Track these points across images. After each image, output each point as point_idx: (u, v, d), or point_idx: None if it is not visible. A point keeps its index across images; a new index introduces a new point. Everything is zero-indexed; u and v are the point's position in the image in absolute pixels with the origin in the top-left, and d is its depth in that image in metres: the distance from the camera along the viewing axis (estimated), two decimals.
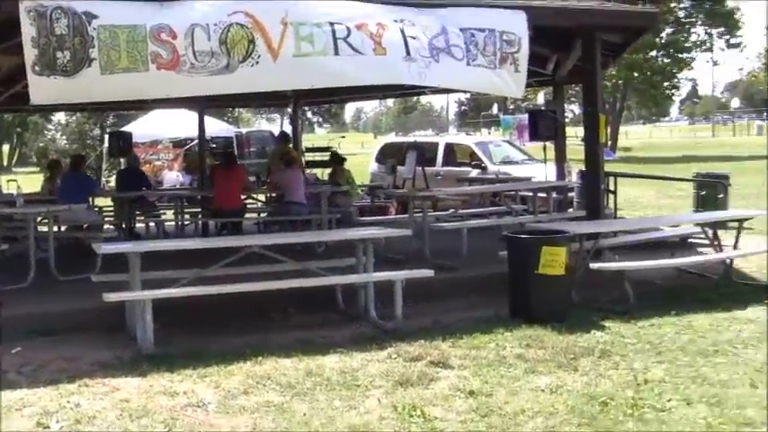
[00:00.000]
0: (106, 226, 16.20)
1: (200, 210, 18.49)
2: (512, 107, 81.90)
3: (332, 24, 10.09)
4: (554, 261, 9.81)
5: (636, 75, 58.24)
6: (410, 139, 31.02)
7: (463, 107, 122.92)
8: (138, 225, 17.87)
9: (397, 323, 9.77)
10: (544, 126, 16.54)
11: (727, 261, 12.51)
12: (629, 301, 10.46)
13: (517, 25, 11.37)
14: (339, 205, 16.46)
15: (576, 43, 14.24)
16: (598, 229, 11.85)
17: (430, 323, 9.93)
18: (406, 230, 11.53)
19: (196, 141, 24.34)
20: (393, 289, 9.84)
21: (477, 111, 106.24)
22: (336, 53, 10.07)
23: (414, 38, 10.49)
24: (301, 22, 9.95)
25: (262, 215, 18.04)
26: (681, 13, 63.16)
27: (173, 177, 28.01)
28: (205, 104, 21.04)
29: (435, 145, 24.66)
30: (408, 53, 10.38)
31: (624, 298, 10.52)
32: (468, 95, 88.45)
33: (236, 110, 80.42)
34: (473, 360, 8.44)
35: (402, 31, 10.44)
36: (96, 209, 17.24)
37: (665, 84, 65.38)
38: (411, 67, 10.44)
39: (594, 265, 10.71)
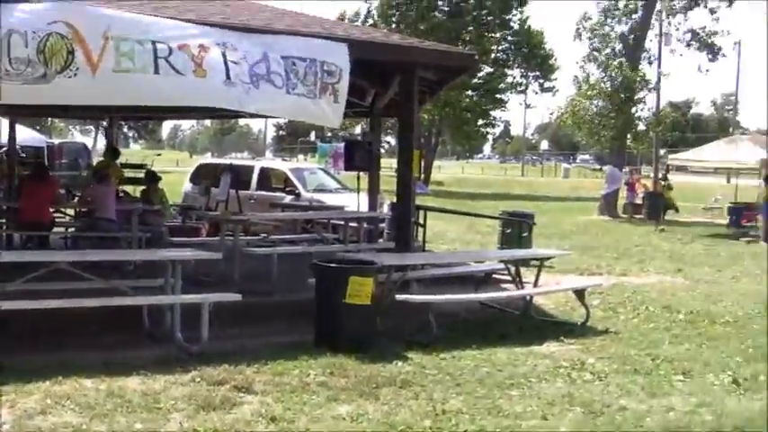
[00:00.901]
0: None
1: (4, 221, 17.86)
2: (329, 135, 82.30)
3: (154, 43, 9.98)
4: (361, 291, 9.98)
5: (451, 111, 59.55)
6: (226, 161, 30.85)
7: (281, 132, 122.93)
8: None
9: (202, 346, 9.72)
10: (359, 156, 16.70)
11: (528, 297, 12.98)
12: (432, 332, 10.72)
13: (339, 56, 11.53)
14: (150, 224, 16.22)
15: (395, 78, 14.50)
16: (406, 262, 12.11)
17: (236, 347, 9.90)
18: (216, 254, 11.51)
19: (3, 149, 23.50)
20: (200, 312, 9.81)
21: (294, 136, 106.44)
22: (156, 72, 9.97)
23: (235, 62, 10.50)
24: (123, 38, 9.80)
25: (70, 230, 17.59)
26: (499, 55, 64.98)
27: None
28: (18, 112, 20.40)
29: (250, 168, 24.60)
30: (228, 77, 10.39)
31: (428, 330, 10.77)
32: (286, 120, 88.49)
33: (49, 119, 78.13)
34: (276, 386, 8.50)
35: (224, 55, 10.44)
36: None
37: (479, 122, 67.08)
38: (230, 92, 10.45)
39: (400, 297, 10.94)
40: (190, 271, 11.48)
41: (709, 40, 38.38)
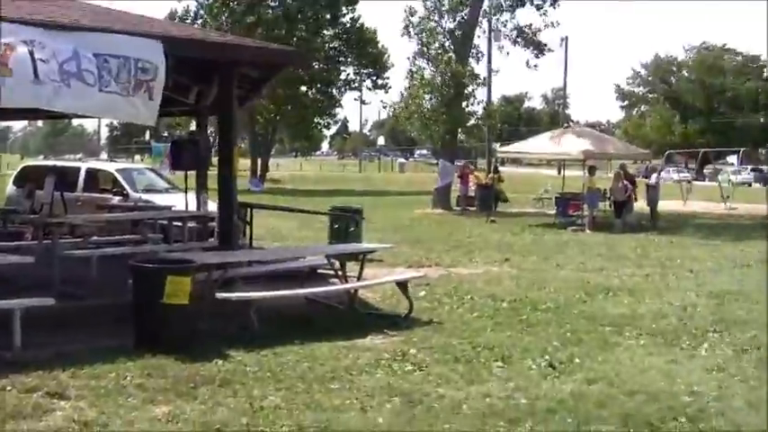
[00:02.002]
0: None
1: None
2: (165, 134, 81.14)
3: None
4: (179, 290, 9.84)
5: (288, 108, 59.53)
6: (50, 162, 30.17)
7: (116, 132, 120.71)
8: None
9: (15, 354, 9.42)
10: (186, 156, 16.54)
11: (352, 291, 13.04)
12: (254, 330, 10.67)
13: (154, 54, 11.38)
14: None
15: (216, 75, 14.38)
16: (226, 260, 12.02)
17: (51, 354, 9.58)
18: (27, 258, 11.19)
19: None
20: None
21: (129, 136, 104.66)
22: None
23: (44, 61, 10.23)
24: None
25: None
26: (332, 53, 65.15)
27: None
28: None
29: (77, 170, 24.07)
30: (37, 76, 10.12)
31: (250, 327, 10.72)
32: (121, 120, 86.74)
33: None
34: (92, 390, 8.32)
35: (31, 53, 10.15)
36: None
37: (317, 119, 67.26)
38: (39, 91, 10.20)
39: (221, 295, 10.85)
40: (10, 276, 11.11)
41: (535, 38, 39.23)
